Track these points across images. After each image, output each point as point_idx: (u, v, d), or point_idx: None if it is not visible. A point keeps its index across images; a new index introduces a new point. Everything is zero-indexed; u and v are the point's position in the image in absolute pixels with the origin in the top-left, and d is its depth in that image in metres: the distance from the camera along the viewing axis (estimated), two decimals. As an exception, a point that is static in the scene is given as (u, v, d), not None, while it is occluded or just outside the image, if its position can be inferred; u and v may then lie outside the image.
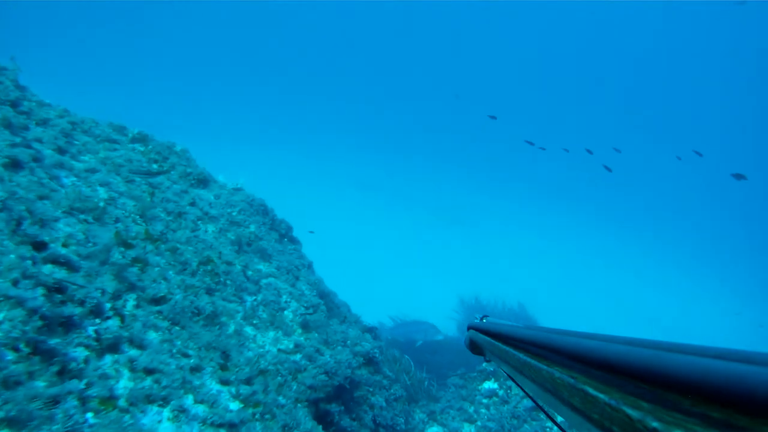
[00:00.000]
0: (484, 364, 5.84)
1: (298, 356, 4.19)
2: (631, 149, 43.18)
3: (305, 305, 5.25)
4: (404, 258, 22.15)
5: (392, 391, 5.04)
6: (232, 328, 4.13)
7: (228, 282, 4.96)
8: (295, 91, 45.28)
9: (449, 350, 7.98)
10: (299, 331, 4.65)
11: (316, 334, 4.54)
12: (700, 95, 47.00)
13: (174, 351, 2.94)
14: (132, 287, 3.46)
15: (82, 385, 2.38)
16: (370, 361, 4.90)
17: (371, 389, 4.75)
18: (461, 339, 10.23)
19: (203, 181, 6.49)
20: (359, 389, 4.65)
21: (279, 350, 4.11)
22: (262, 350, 4.02)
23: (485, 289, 12.38)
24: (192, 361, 2.97)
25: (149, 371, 2.61)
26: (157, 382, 2.57)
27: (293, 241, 6.69)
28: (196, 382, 2.80)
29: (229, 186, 6.63)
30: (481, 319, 1.16)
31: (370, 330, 5.41)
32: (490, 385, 5.50)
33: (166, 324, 3.31)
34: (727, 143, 43.36)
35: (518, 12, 47.69)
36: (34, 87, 5.52)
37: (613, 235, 32.66)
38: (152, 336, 3.02)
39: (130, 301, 3.15)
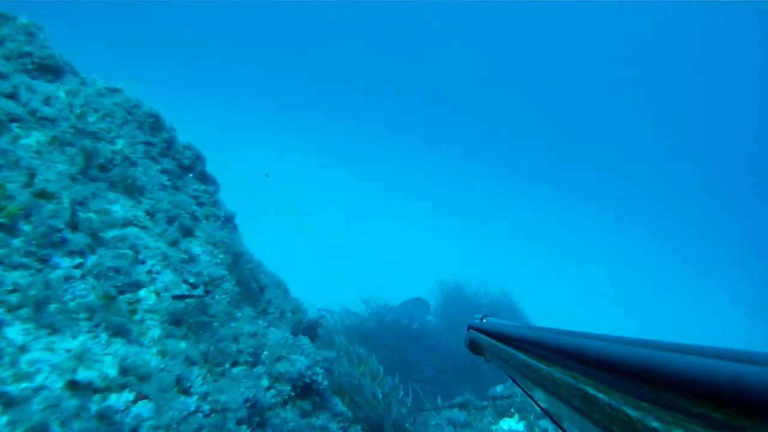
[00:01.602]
0: (499, 388, 3.61)
1: (122, 397, 1.81)
2: (634, 142, 42.03)
3: (191, 280, 2.84)
4: (379, 237, 20.05)
5: (346, 442, 2.73)
6: (-49, 329, 1.70)
7: (24, 229, 2.51)
8: (273, 51, 41.44)
9: (428, 337, 7.54)
10: (157, 332, 2.25)
11: (184, 344, 2.17)
12: (697, 92, 45.69)
13: None
14: None
15: None
16: (305, 391, 2.57)
17: (303, 448, 2.42)
18: (439, 327, 8.95)
19: (53, 71, 3.91)
20: (277, 451, 2.31)
21: (69, 386, 1.71)
22: (13, 392, 1.62)
23: (466, 274, 11.13)
24: None
25: None
26: None
27: (204, 180, 4.20)
28: None
29: (99, 84, 4.05)
30: (482, 318, 1.07)
31: (311, 328, 3.04)
32: (511, 424, 3.26)
33: None
34: (728, 142, 42.46)
35: (517, 10, 45.03)
36: None
37: (616, 231, 30.90)
38: None
39: None
